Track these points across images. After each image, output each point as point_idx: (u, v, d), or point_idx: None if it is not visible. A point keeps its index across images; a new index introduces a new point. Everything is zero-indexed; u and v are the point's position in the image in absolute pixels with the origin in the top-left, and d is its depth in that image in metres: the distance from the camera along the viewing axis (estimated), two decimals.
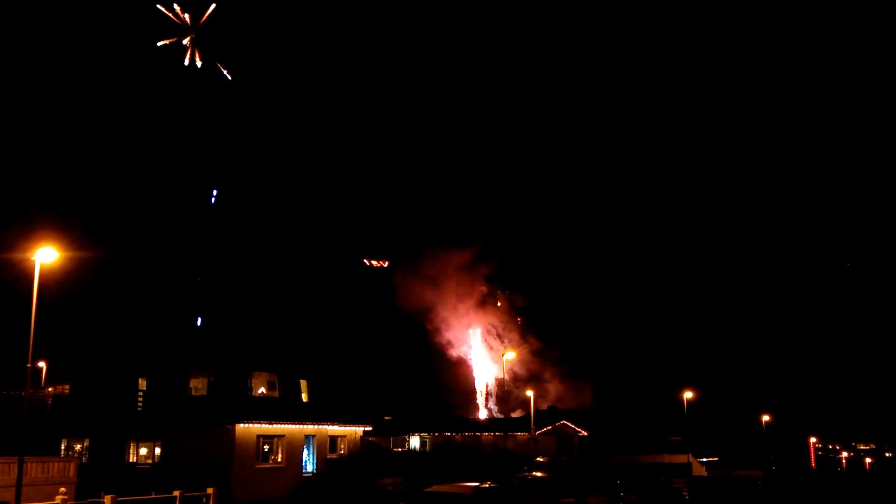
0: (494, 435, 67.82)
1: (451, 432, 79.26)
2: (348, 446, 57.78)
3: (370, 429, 63.56)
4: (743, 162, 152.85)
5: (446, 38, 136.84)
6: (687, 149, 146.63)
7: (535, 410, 71.08)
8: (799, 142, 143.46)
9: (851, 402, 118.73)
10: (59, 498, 30.40)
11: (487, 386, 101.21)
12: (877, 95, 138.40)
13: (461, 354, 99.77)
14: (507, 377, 64.20)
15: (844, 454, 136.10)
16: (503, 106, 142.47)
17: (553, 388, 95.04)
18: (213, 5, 72.14)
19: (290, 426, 51.68)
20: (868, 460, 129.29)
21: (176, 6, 71.65)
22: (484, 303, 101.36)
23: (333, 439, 56.39)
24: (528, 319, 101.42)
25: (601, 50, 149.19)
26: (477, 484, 31.46)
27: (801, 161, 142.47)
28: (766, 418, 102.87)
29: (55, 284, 47.12)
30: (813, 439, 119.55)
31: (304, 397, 57.92)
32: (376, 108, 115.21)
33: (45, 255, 28.48)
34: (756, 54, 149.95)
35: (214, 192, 69.29)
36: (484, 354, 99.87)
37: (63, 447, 53.48)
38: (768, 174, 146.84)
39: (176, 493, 34.21)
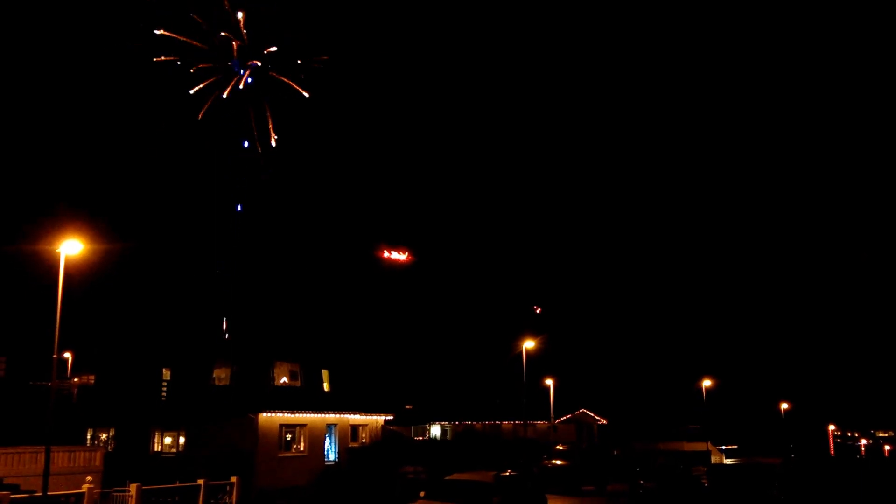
0: (514, 423, 68.10)
1: (472, 421, 79.67)
2: (370, 435, 58.15)
3: (391, 417, 63.81)
4: (762, 154, 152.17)
5: (452, 41, 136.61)
6: (704, 142, 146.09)
7: (555, 398, 71.38)
8: (819, 134, 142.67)
9: (870, 389, 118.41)
10: (85, 486, 30.88)
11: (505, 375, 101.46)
12: (889, 92, 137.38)
13: (482, 343, 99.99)
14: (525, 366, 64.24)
15: (863, 441, 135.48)
16: (511, 112, 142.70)
17: (572, 376, 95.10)
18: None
19: (312, 415, 52.04)
20: (887, 447, 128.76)
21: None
22: (501, 292, 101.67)
23: (355, 428, 56.77)
24: (547, 308, 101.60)
25: (618, 45, 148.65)
26: (497, 472, 31.76)
27: (819, 153, 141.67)
28: (784, 406, 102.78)
29: (81, 276, 47.74)
30: (832, 427, 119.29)
31: (326, 387, 58.19)
32: (392, 108, 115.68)
33: (71, 248, 28.72)
34: (771, 51, 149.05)
35: (238, 186, 69.88)
36: (503, 343, 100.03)
37: (89, 436, 54.03)
38: (787, 165, 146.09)
39: (200, 481, 34.81)
